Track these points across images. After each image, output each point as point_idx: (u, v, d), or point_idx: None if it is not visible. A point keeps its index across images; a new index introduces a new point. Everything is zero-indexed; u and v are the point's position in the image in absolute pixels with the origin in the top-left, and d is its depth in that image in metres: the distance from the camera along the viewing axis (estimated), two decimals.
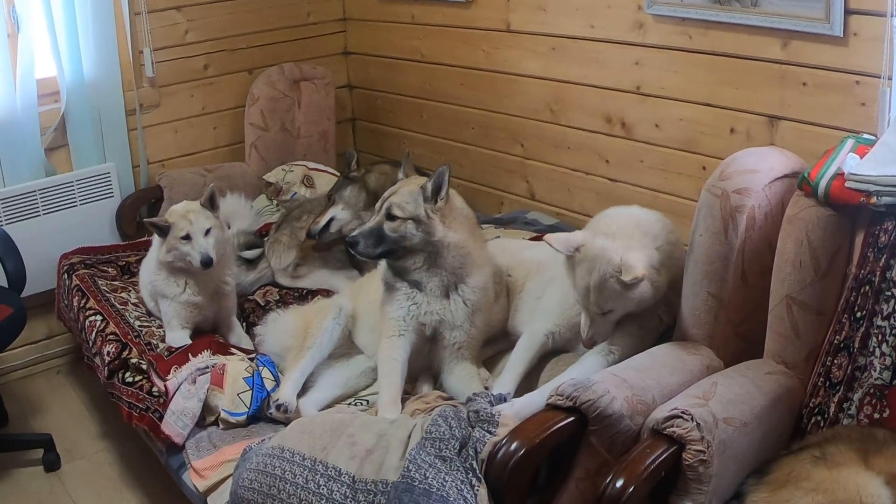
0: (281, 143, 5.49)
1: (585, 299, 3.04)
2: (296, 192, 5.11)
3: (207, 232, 3.77)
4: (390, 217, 3.28)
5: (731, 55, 3.70)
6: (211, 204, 3.84)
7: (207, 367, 3.49)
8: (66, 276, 4.55)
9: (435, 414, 2.87)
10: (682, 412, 2.57)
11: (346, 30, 5.88)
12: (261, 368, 3.52)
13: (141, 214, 5.08)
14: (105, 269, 4.62)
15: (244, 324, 4.16)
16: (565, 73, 4.46)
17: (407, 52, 5.42)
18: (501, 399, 3.00)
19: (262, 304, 4.31)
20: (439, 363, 3.43)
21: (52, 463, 4.26)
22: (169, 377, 3.46)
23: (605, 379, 2.74)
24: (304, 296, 4.33)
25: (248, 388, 3.43)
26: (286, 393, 3.36)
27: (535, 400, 2.94)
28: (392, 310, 3.36)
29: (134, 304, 4.24)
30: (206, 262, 3.72)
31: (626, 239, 2.98)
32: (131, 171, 5.16)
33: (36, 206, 4.79)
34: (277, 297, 4.35)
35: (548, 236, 3.09)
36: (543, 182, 4.81)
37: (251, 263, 4.54)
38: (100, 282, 4.42)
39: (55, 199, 4.86)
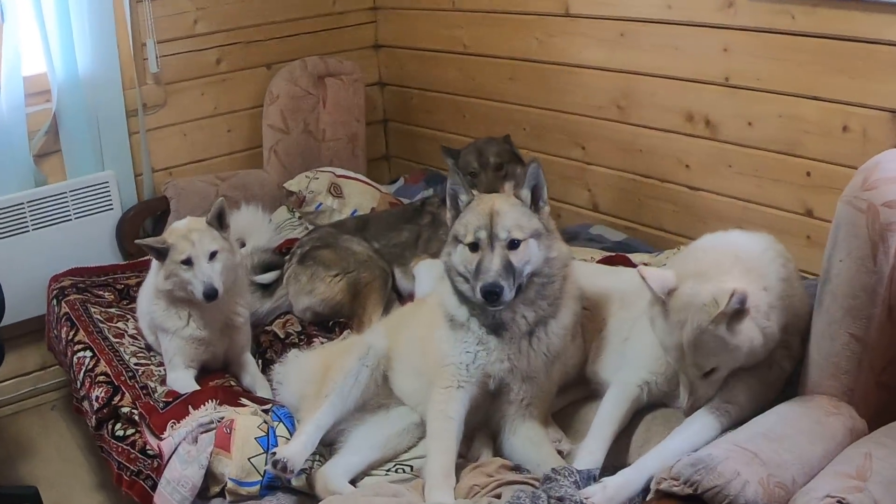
0: (304, 148, 5.32)
1: (680, 360, 2.71)
2: (321, 203, 4.89)
3: (213, 255, 3.54)
4: (513, 244, 2.84)
5: (844, 38, 3.43)
6: (219, 222, 3.62)
7: (212, 423, 3.17)
8: (55, 301, 4.36)
9: (506, 502, 2.51)
10: (839, 501, 2.20)
11: (376, 20, 5.74)
12: (276, 425, 3.18)
13: (145, 229, 4.94)
14: (100, 293, 4.42)
15: (260, 361, 3.90)
16: (636, 62, 4.23)
17: (447, 43, 5.26)
18: (589, 478, 2.64)
19: (282, 336, 4.04)
20: (500, 420, 3.04)
21: None
22: (165, 435, 3.17)
23: (731, 455, 2.35)
24: (331, 328, 4.09)
25: (261, 450, 3.07)
26: (292, 449, 2.94)
27: (632, 479, 2.58)
28: (454, 354, 2.95)
29: (132, 337, 4.03)
30: (210, 294, 3.48)
31: (724, 276, 2.65)
32: (133, 180, 4.99)
33: (24, 220, 4.59)
34: (300, 328, 4.09)
35: (643, 269, 2.74)
36: (608, 191, 4.58)
37: (268, 289, 4.28)
38: (92, 309, 4.21)
39: (46, 212, 4.66)
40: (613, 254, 4.05)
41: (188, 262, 3.50)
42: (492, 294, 2.77)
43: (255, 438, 3.10)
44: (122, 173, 4.87)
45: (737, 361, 2.68)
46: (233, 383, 3.67)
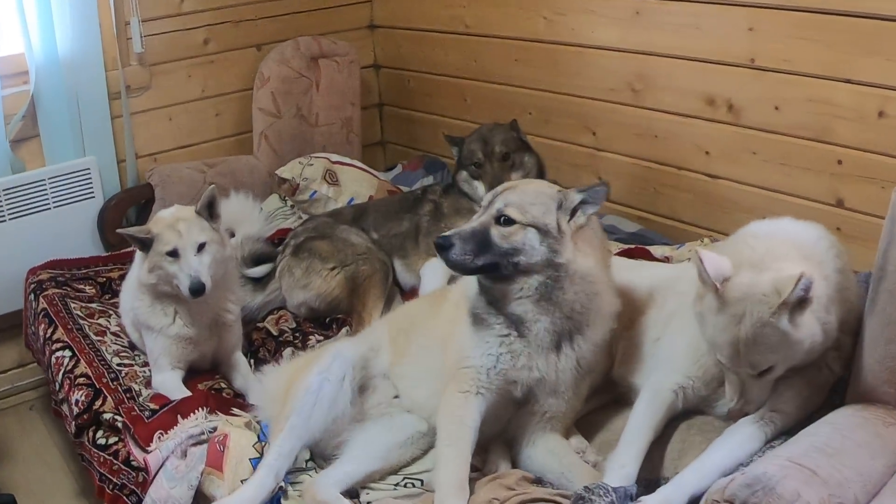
0: (296, 133, 5.24)
1: (733, 358, 2.50)
2: (316, 191, 4.75)
3: (201, 248, 3.37)
4: (503, 220, 2.67)
5: (879, 16, 3.35)
6: (209, 211, 3.46)
7: (203, 434, 3.01)
8: (32, 296, 4.24)
9: None
10: None
11: None
12: (263, 445, 2.99)
13: (128, 219, 4.83)
14: (81, 287, 4.30)
15: (252, 361, 3.73)
16: (653, 42, 4.15)
17: (447, 23, 5.17)
18: (626, 496, 2.43)
19: (275, 333, 3.89)
20: (518, 431, 2.85)
21: None
22: (151, 447, 3.02)
23: (788, 473, 2.16)
24: (328, 324, 3.93)
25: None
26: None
27: (672, 498, 2.41)
28: (475, 355, 2.73)
29: (114, 335, 3.89)
30: (197, 289, 3.31)
31: (782, 264, 2.46)
32: (116, 166, 4.88)
33: (0, 209, 4.50)
34: (294, 325, 3.94)
35: (702, 251, 2.51)
36: (621, 179, 4.45)
37: (259, 282, 4.14)
38: (72, 305, 4.09)
39: (23, 200, 4.56)
40: (633, 246, 3.95)
41: (174, 254, 3.35)
42: (439, 245, 2.66)
43: (250, 459, 2.92)
44: (104, 159, 4.78)
45: (794, 360, 2.51)
46: (223, 385, 3.54)
